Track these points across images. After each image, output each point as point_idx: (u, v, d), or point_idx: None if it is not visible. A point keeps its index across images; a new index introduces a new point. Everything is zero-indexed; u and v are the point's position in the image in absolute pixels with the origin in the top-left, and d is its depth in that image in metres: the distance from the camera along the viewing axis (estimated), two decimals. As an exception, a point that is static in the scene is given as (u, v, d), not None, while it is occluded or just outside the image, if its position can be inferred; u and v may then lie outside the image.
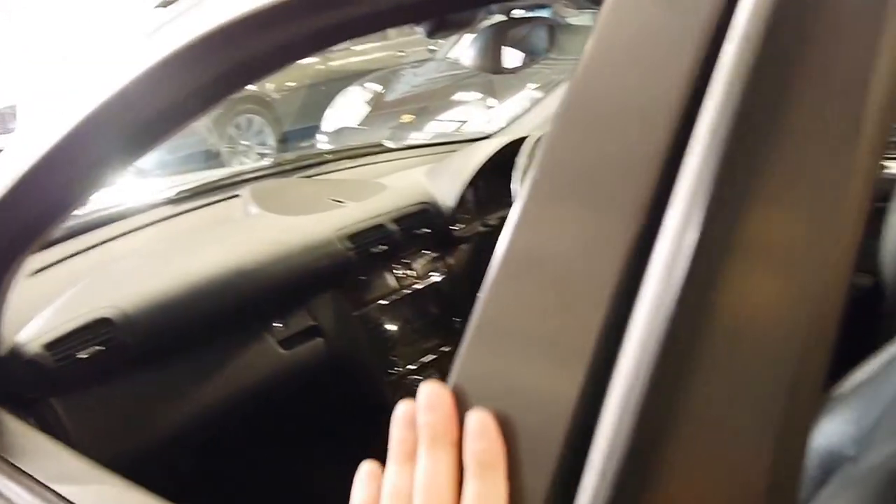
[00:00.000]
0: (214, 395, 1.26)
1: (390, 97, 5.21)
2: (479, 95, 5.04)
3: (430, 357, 1.64)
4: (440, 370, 1.64)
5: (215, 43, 0.65)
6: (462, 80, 5.30)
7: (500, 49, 1.08)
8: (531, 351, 0.36)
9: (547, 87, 3.95)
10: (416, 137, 4.62)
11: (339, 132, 4.91)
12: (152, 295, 1.18)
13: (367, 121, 4.98)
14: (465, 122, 4.76)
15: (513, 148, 1.74)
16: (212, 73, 0.69)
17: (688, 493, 0.33)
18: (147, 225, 1.43)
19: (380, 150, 2.02)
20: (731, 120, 0.33)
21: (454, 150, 2.05)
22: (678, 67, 0.34)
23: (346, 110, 5.11)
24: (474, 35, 1.04)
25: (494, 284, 0.37)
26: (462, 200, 1.66)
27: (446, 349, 1.67)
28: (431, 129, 4.84)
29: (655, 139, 0.34)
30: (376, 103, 5.12)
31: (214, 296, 1.24)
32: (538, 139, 1.66)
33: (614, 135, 0.36)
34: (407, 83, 5.42)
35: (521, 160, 1.61)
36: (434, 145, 2.13)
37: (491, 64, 1.05)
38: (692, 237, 0.32)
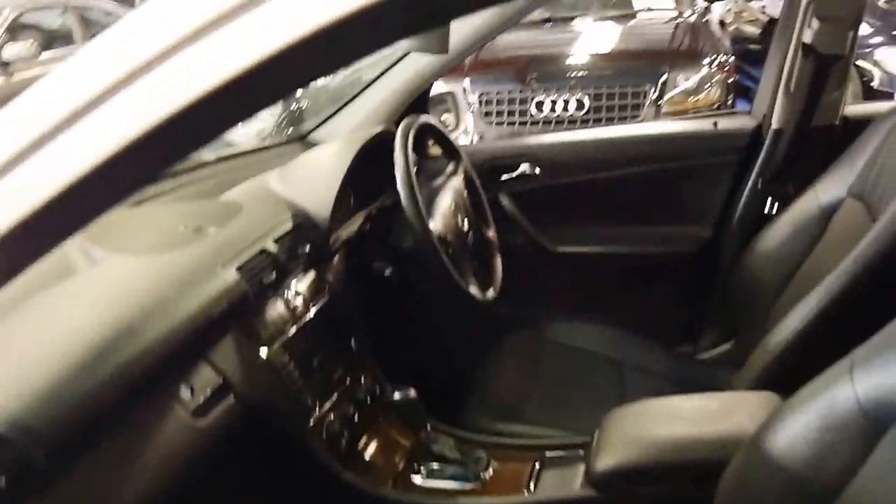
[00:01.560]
0: (139, 488, 0.97)
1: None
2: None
3: (339, 390, 1.44)
4: (353, 402, 1.45)
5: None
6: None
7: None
8: None
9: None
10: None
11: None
12: (38, 387, 0.85)
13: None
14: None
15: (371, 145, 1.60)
16: None
17: None
18: None
19: (197, 164, 1.72)
20: None
21: (282, 155, 1.83)
22: None
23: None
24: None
25: None
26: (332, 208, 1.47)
27: (350, 378, 1.48)
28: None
29: None
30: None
31: (107, 368, 0.94)
32: (409, 129, 1.52)
33: None
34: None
35: (398, 155, 1.45)
36: (255, 151, 1.88)
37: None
38: None
